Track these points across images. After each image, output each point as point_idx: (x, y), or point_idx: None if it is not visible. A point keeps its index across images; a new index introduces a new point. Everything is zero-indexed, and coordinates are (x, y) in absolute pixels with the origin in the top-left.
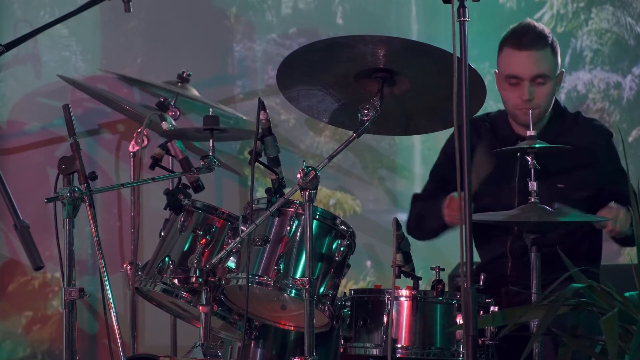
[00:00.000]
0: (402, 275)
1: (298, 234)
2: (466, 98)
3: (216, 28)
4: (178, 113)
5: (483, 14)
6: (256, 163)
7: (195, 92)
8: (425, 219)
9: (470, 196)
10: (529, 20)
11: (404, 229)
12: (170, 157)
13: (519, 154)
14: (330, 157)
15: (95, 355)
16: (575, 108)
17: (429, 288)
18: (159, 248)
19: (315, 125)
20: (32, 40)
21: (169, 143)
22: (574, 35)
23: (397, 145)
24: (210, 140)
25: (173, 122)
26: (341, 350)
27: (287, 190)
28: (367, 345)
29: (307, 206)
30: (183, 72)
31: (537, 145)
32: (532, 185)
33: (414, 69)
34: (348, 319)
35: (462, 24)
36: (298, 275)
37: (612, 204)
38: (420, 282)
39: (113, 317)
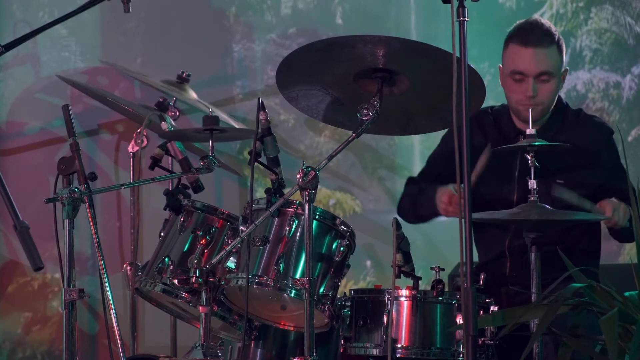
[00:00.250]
0: (402, 275)
1: (298, 234)
2: (466, 98)
3: (215, 28)
4: (177, 113)
5: (482, 14)
6: (256, 163)
7: (193, 95)
8: (418, 205)
9: (470, 195)
10: (536, 17)
11: (405, 229)
12: (169, 158)
13: (519, 151)
14: (330, 157)
15: (95, 355)
16: (575, 107)
17: (428, 288)
18: (159, 248)
19: (314, 126)
20: (32, 40)
21: (168, 143)
22: (573, 34)
23: (397, 145)
24: (210, 141)
25: (172, 123)
26: (341, 351)
27: (286, 191)
28: (367, 345)
29: (306, 206)
30: (182, 73)
31: (536, 144)
32: (532, 183)
33: (413, 69)
34: (348, 319)
35: (461, 24)
36: (298, 276)
37: (614, 199)
38: (420, 282)
39: (113, 318)
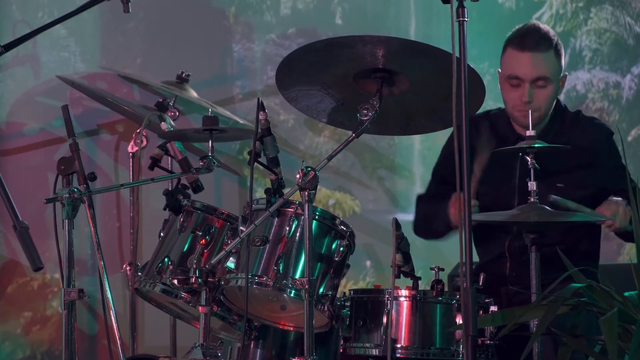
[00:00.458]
0: (401, 275)
1: (297, 234)
2: (465, 98)
3: (215, 28)
4: (177, 113)
5: (482, 14)
6: (255, 163)
7: (194, 94)
8: (432, 220)
9: (470, 196)
10: (534, 21)
11: (405, 229)
12: (169, 158)
13: (519, 153)
14: (330, 157)
15: (94, 356)
16: (574, 108)
17: (428, 288)
18: (159, 248)
19: (314, 126)
20: (31, 41)
21: (168, 143)
22: (573, 35)
23: (397, 145)
24: (210, 141)
25: (172, 123)
26: (341, 351)
27: (286, 191)
28: (367, 345)
29: (306, 206)
30: (182, 73)
31: (536, 145)
32: (532, 185)
33: (413, 69)
34: (348, 319)
35: (461, 24)
36: (297, 276)
37: (612, 197)
38: (419, 282)
39: (112, 318)
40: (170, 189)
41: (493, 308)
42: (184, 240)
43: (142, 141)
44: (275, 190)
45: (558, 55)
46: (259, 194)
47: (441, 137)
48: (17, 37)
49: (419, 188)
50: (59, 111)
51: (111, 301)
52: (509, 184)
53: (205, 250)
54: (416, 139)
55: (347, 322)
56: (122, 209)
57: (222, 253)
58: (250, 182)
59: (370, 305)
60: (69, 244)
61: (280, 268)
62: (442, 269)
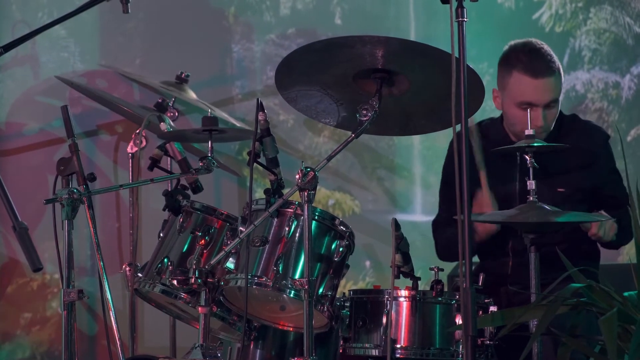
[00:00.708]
0: (401, 275)
1: (297, 234)
2: (465, 98)
3: (215, 28)
4: (177, 114)
5: (481, 14)
6: (255, 164)
7: (193, 95)
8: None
9: (469, 197)
10: (533, 40)
11: (404, 230)
12: (168, 158)
13: (518, 154)
14: (329, 158)
15: (94, 356)
16: (573, 108)
17: (428, 288)
18: (158, 249)
19: (313, 126)
20: (31, 41)
21: (167, 144)
22: (572, 35)
23: (396, 145)
24: (209, 141)
25: (171, 123)
26: (340, 351)
27: (285, 191)
28: (367, 345)
29: (305, 207)
30: (181, 73)
31: (535, 144)
32: (531, 184)
33: (412, 69)
34: (347, 320)
35: (460, 24)
36: (297, 276)
37: (602, 212)
38: (419, 282)
39: (112, 319)
40: (169, 190)
41: (492, 308)
42: (184, 241)
43: (141, 142)
44: (274, 190)
45: (560, 73)
46: (259, 194)
47: (441, 137)
48: (16, 38)
49: (419, 188)
50: (58, 111)
51: (111, 302)
52: (510, 187)
53: (205, 251)
54: (416, 139)
55: (347, 323)
56: (121, 209)
57: (222, 253)
58: (249, 183)
59: (369, 306)
60: (68, 244)
61: (280, 268)
62: (442, 269)
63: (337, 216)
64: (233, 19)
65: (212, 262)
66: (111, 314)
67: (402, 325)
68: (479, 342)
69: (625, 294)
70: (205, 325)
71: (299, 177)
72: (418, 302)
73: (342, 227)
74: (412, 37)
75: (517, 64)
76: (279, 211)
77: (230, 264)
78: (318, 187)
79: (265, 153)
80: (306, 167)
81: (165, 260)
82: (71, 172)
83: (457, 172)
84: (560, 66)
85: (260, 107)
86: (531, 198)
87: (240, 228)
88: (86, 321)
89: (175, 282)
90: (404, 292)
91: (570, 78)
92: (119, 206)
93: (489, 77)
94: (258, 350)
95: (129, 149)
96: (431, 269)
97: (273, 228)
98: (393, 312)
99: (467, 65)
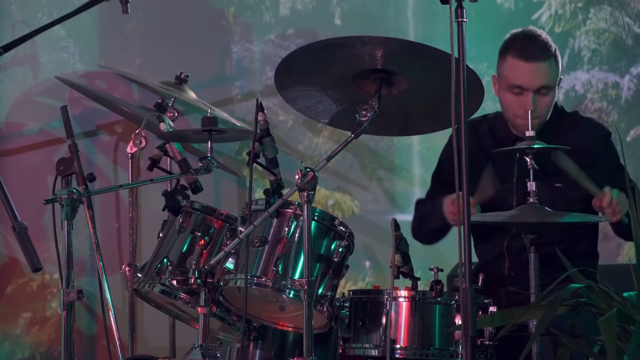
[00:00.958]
0: (400, 275)
1: (296, 235)
2: (464, 98)
3: (214, 29)
4: (176, 114)
5: (481, 15)
6: (254, 164)
7: (192, 95)
8: (426, 220)
9: (468, 197)
10: (532, 28)
11: (404, 230)
12: (168, 159)
13: (517, 154)
14: (329, 158)
15: (94, 356)
16: (573, 108)
17: (427, 289)
18: (158, 249)
19: (313, 126)
20: (30, 41)
21: (167, 144)
22: (572, 35)
23: (396, 145)
24: (209, 142)
25: (171, 124)
26: (340, 351)
27: (285, 191)
28: (366, 345)
29: (305, 207)
30: (181, 73)
31: (535, 146)
32: (531, 185)
33: (412, 69)
34: (347, 320)
35: (460, 25)
36: (297, 276)
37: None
38: (418, 282)
39: (112, 319)
40: (169, 190)
41: (492, 308)
42: (183, 241)
43: (141, 142)
44: (274, 191)
45: (557, 61)
46: (258, 194)
47: (440, 137)
48: (16, 38)
49: (418, 189)
50: (58, 112)
51: (110, 302)
52: (508, 185)
53: (204, 251)
54: (415, 139)
55: (346, 323)
56: (121, 209)
57: (221, 254)
58: (249, 183)
59: (369, 306)
60: (68, 244)
61: (280, 269)
62: (441, 270)
63: (337, 216)
64: (232, 19)
65: (211, 262)
66: (111, 314)
67: (401, 325)
68: (479, 342)
69: (625, 294)
70: (204, 325)
71: (299, 177)
72: (417, 303)
73: (341, 228)
74: (412, 38)
75: (512, 48)
76: (278, 211)
77: (229, 264)
78: (317, 188)
79: (265, 153)
80: (306, 168)
81: (165, 260)
82: (71, 172)
83: (457, 172)
84: (559, 56)
85: (259, 108)
86: (531, 200)
87: (240, 228)
88: (86, 321)
89: (174, 282)
90: (403, 293)
91: (570, 78)
92: (118, 206)
93: (488, 78)
94: (257, 351)
95: (128, 149)
96: (431, 269)
97: (272, 228)
98: (392, 313)
99: (467, 65)
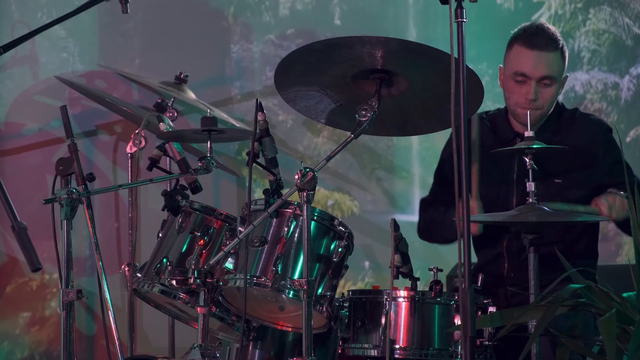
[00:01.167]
0: (400, 276)
1: (296, 235)
2: (464, 99)
3: (214, 29)
4: (176, 114)
5: (481, 15)
6: (254, 164)
7: (192, 95)
8: (438, 226)
9: (468, 197)
10: (542, 21)
11: (403, 230)
12: (167, 159)
13: (517, 154)
14: (328, 158)
15: (93, 356)
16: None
17: (427, 289)
18: (157, 249)
19: (313, 126)
20: (30, 41)
21: (166, 144)
22: (571, 35)
23: (395, 146)
24: (208, 142)
25: (171, 124)
26: (339, 351)
27: (285, 191)
28: (365, 346)
29: (305, 207)
30: (181, 73)
31: (535, 146)
32: (530, 185)
33: (411, 69)
34: (346, 320)
35: (459, 25)
36: (296, 276)
37: (611, 189)
38: (418, 282)
39: (111, 319)
40: (168, 190)
41: (491, 309)
42: (183, 241)
43: (140, 142)
44: (273, 191)
45: (563, 56)
46: (258, 194)
47: (440, 138)
48: (15, 38)
49: (418, 189)
50: (57, 111)
51: (110, 302)
52: (508, 184)
53: (204, 251)
54: (415, 139)
55: (346, 323)
56: (120, 209)
57: (221, 254)
58: (248, 183)
59: (368, 306)
60: (67, 244)
61: (279, 269)
62: (441, 270)
63: (336, 216)
64: (232, 20)
65: (211, 262)
66: (110, 314)
67: (401, 325)
68: (478, 342)
69: (624, 294)
70: (204, 325)
71: (298, 177)
72: (417, 303)
73: (341, 228)
74: (412, 38)
75: (519, 38)
76: (278, 211)
77: (229, 264)
78: (317, 188)
79: (265, 153)
80: (305, 168)
81: (164, 260)
82: (70, 172)
83: (457, 172)
84: (566, 52)
85: (259, 108)
86: (530, 200)
87: (239, 228)
88: (85, 321)
89: (174, 282)
90: (403, 293)
91: (570, 79)
92: (118, 206)
93: (488, 78)
94: (257, 351)
95: (128, 149)
96: (430, 269)
97: (272, 228)
98: (392, 313)
99: (467, 65)
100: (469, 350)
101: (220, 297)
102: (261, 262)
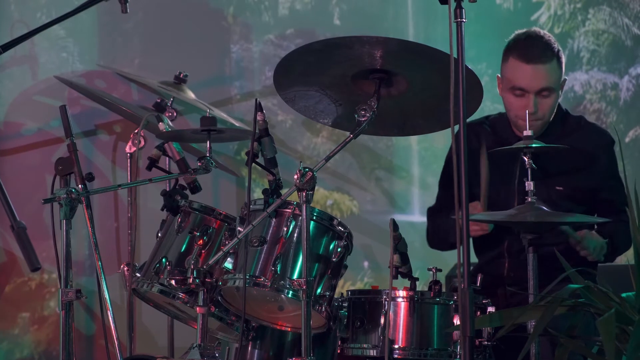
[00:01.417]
0: (399, 276)
1: (295, 234)
2: (463, 99)
3: (213, 29)
4: (175, 114)
5: (480, 15)
6: (253, 164)
7: (191, 95)
8: (446, 233)
9: (467, 197)
10: (535, 29)
11: (402, 230)
12: (167, 158)
13: (518, 154)
14: (328, 158)
15: (92, 356)
16: (572, 109)
17: (426, 289)
18: (156, 249)
19: (312, 126)
20: (29, 41)
21: (165, 144)
22: (571, 36)
23: (394, 146)
24: (208, 141)
25: (170, 123)
26: (338, 351)
27: (284, 191)
28: (365, 346)
29: (304, 207)
30: (180, 73)
31: (533, 145)
32: (529, 185)
33: (411, 69)
34: (345, 320)
35: (459, 25)
36: (295, 276)
37: (593, 232)
38: (417, 282)
39: (110, 318)
40: (168, 190)
41: (491, 309)
42: (182, 241)
43: (139, 142)
44: (272, 190)
45: (559, 63)
46: (257, 194)
47: (439, 138)
48: (15, 37)
49: (417, 189)
50: (57, 111)
51: (109, 301)
52: (509, 186)
53: (203, 251)
54: (414, 139)
55: (345, 323)
56: (119, 209)
57: (220, 253)
58: (248, 183)
59: (367, 306)
60: (66, 244)
61: (278, 269)
62: (440, 270)
63: (335, 216)
64: (232, 19)
65: (210, 262)
66: (109, 313)
67: (400, 325)
68: (477, 342)
69: (623, 294)
70: (203, 325)
71: (297, 177)
72: (416, 303)
73: (340, 228)
74: (411, 38)
75: (514, 50)
76: (277, 211)
77: (228, 264)
78: (316, 188)
79: (264, 153)
80: (304, 168)
81: (164, 260)
82: (69, 171)
83: (456, 172)
84: (562, 57)
85: (258, 107)
86: (529, 199)
87: (239, 228)
88: (84, 321)
89: (173, 282)
90: (402, 293)
91: (569, 79)
92: (117, 206)
93: (487, 78)
94: (256, 351)
95: (127, 149)
96: (429, 269)
97: (271, 228)
98: (391, 313)
99: (466, 66)
100: (468, 350)
101: (219, 297)
102: (260, 262)
